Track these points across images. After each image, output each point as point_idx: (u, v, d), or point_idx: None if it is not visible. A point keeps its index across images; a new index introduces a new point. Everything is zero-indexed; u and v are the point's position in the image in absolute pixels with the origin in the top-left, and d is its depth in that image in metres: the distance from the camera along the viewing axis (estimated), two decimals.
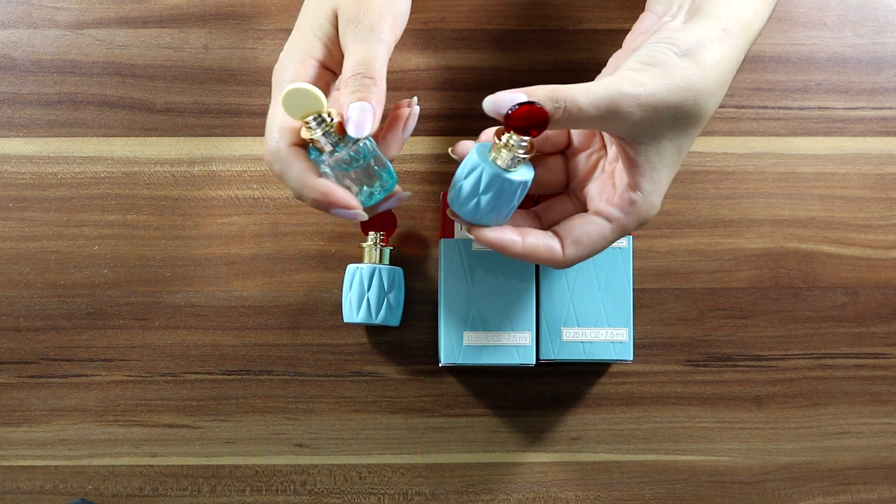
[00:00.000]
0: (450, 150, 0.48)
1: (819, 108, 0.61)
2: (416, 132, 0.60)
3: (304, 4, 0.48)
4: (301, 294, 0.60)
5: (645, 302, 0.60)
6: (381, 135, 0.47)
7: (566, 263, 0.47)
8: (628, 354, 0.55)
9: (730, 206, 0.61)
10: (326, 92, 0.47)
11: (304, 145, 0.45)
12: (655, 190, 0.46)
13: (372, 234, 0.58)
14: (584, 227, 0.47)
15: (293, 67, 0.46)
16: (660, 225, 0.60)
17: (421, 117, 0.60)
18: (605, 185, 0.48)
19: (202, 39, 0.61)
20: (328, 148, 0.44)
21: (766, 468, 0.60)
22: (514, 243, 0.46)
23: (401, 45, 0.61)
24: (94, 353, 0.59)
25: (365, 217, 0.46)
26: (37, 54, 0.60)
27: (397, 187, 0.48)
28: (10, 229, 0.60)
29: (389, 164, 0.47)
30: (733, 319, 0.60)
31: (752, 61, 0.61)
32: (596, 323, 0.55)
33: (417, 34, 0.61)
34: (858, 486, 0.60)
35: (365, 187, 0.46)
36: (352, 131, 0.43)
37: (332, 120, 0.44)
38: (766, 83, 0.61)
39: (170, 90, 0.60)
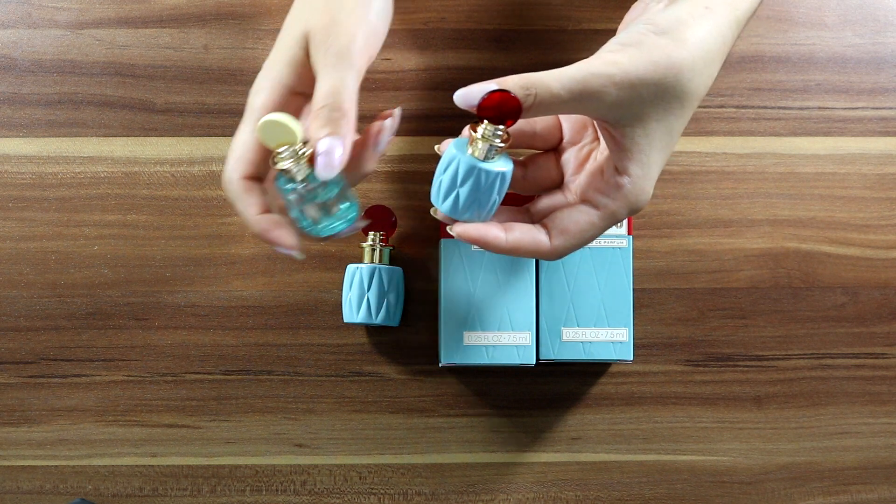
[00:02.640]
0: (436, 147, 0.48)
1: (819, 108, 0.61)
2: (415, 132, 0.60)
3: (284, 22, 0.48)
4: (301, 294, 0.60)
5: (645, 302, 0.60)
6: (354, 152, 0.46)
7: (555, 254, 0.46)
8: (628, 354, 0.55)
9: (730, 206, 0.61)
10: (298, 117, 0.47)
11: (258, 178, 0.46)
12: (646, 174, 0.45)
13: (372, 234, 0.58)
14: (572, 216, 0.46)
15: (263, 94, 0.46)
16: (660, 225, 0.60)
17: (420, 117, 0.60)
18: (595, 173, 0.47)
19: (202, 39, 0.61)
20: (299, 178, 0.44)
21: (766, 468, 0.60)
22: (497, 238, 0.45)
23: (401, 45, 0.61)
24: (94, 353, 0.59)
25: (301, 257, 0.46)
26: (37, 54, 0.60)
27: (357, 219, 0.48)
28: (10, 229, 0.60)
29: (354, 196, 0.47)
30: (733, 319, 0.60)
31: (752, 61, 0.61)
32: (596, 323, 0.55)
33: (417, 34, 0.61)
34: (858, 486, 0.60)
35: (328, 216, 0.46)
36: (320, 172, 0.43)
37: (303, 153, 0.44)
38: (766, 83, 0.61)
39: (170, 90, 0.60)
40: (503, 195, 0.46)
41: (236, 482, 0.59)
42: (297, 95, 0.47)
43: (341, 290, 0.59)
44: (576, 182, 0.49)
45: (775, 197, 0.61)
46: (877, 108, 0.61)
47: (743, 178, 0.61)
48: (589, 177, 0.47)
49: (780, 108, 0.61)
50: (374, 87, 0.60)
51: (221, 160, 0.60)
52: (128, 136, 0.60)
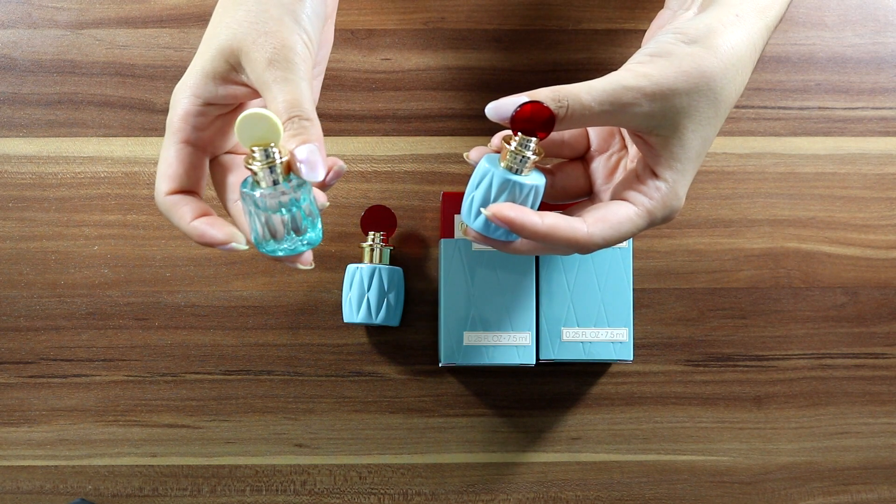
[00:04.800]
0: (465, 155, 0.47)
1: (819, 108, 0.61)
2: (414, 132, 0.60)
3: (205, 32, 0.46)
4: (301, 294, 0.60)
5: (645, 302, 0.60)
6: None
7: (590, 241, 0.44)
8: (628, 354, 0.55)
9: (730, 206, 0.61)
10: (209, 127, 0.45)
11: (187, 191, 0.44)
12: (680, 180, 0.45)
13: (372, 234, 0.58)
14: (609, 208, 0.45)
15: (180, 107, 0.44)
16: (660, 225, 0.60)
17: (420, 118, 0.60)
18: (629, 177, 0.46)
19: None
20: (268, 182, 0.42)
21: (766, 468, 0.60)
22: (533, 221, 0.43)
23: (401, 45, 0.61)
24: (94, 353, 0.59)
25: (244, 248, 0.44)
26: (37, 54, 0.60)
27: (308, 254, 0.45)
28: (10, 229, 0.60)
29: (320, 219, 0.44)
30: (733, 319, 0.60)
31: None
32: (596, 323, 0.56)
33: (417, 34, 0.61)
34: (858, 486, 0.60)
35: (291, 235, 0.43)
36: (304, 173, 0.41)
37: (281, 157, 0.41)
38: (766, 83, 0.61)
39: (170, 90, 0.60)
40: (537, 210, 0.45)
41: (236, 482, 0.59)
42: (212, 106, 0.45)
43: (341, 290, 0.59)
44: (607, 191, 0.48)
45: (775, 197, 0.61)
46: (877, 108, 0.61)
47: (743, 178, 0.61)
48: (623, 180, 0.47)
49: (780, 108, 0.61)
50: (374, 87, 0.60)
51: None
52: (128, 136, 0.60)
